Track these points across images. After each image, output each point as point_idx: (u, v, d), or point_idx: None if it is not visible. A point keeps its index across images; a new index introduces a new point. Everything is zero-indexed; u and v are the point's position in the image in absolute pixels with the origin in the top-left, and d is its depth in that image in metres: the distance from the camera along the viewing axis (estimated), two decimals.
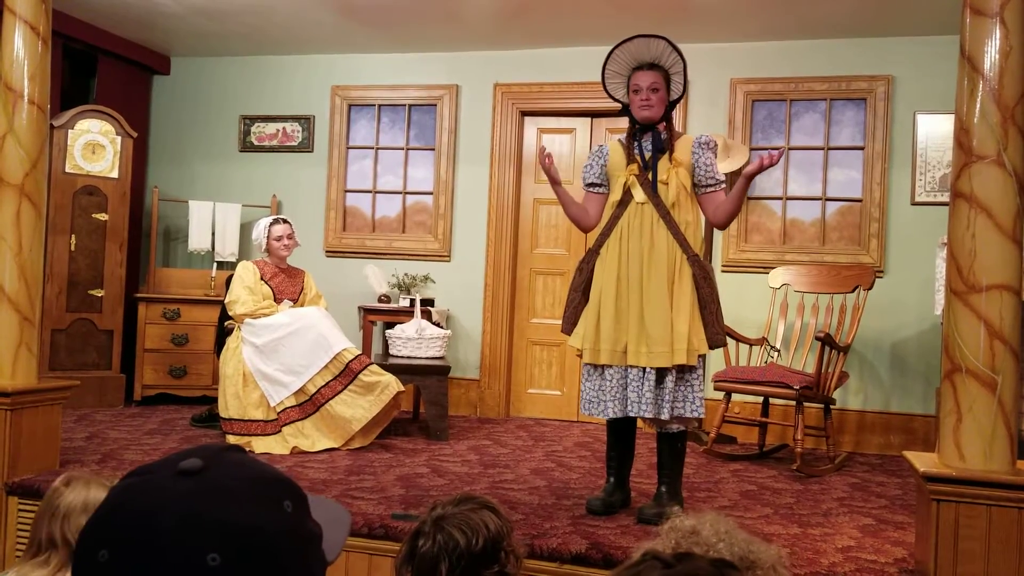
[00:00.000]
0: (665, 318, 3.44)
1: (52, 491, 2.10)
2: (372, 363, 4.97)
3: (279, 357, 4.89)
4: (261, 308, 5.03)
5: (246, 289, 5.06)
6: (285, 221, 5.28)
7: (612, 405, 3.53)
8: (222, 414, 4.88)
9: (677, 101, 3.69)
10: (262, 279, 5.16)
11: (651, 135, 3.63)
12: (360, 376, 4.86)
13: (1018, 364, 2.82)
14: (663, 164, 3.57)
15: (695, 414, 3.51)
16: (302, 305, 5.25)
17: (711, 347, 3.52)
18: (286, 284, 5.24)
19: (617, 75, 3.71)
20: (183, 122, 7.02)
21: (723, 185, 3.61)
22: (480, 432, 5.58)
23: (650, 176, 3.58)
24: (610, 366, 3.53)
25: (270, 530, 0.82)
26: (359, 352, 5.00)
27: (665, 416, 3.47)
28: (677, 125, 5.89)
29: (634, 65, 3.66)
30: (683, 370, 3.49)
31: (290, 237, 5.24)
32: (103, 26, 6.28)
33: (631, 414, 3.52)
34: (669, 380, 3.47)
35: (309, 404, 4.86)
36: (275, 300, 5.15)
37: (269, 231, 5.20)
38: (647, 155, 3.60)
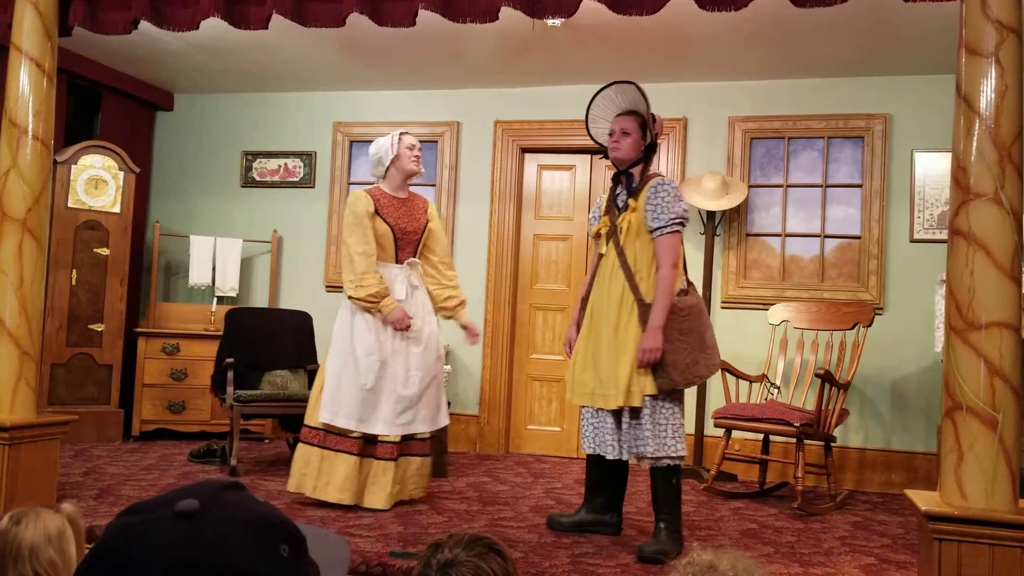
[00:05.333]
0: (612, 362, 3.63)
1: (4, 533, 1.94)
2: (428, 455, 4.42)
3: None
4: (375, 294, 4.17)
5: (362, 255, 4.19)
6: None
7: (586, 442, 3.84)
8: (323, 418, 4.16)
9: (653, 145, 3.81)
10: (377, 213, 4.29)
11: (627, 180, 3.80)
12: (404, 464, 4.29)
13: (1019, 402, 2.81)
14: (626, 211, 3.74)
15: (654, 453, 3.58)
16: (425, 244, 4.48)
17: (661, 390, 3.57)
18: (407, 219, 4.38)
19: (603, 120, 3.91)
20: (186, 157, 7.07)
21: (659, 233, 3.64)
22: (479, 468, 5.55)
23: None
24: (584, 406, 3.81)
25: None
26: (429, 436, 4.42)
27: (625, 457, 3.69)
28: (675, 163, 5.96)
29: (616, 112, 3.85)
30: (634, 412, 3.62)
31: (420, 151, 4.50)
32: (108, 63, 6.34)
33: (599, 452, 3.78)
34: (623, 421, 3.65)
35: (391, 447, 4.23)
36: (394, 239, 4.31)
37: (401, 139, 4.40)
38: (620, 203, 3.80)
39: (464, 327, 4.56)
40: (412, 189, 4.60)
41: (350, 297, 4.22)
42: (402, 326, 4.18)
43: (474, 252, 6.38)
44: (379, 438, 4.19)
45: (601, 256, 3.81)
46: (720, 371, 5.06)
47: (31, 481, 3.79)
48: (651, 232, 3.65)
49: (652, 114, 3.79)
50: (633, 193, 3.73)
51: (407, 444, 4.26)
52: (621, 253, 3.69)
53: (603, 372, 3.65)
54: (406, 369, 4.23)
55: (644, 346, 3.51)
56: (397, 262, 4.35)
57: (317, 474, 4.15)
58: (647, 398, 3.57)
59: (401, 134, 4.44)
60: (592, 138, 3.98)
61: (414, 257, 4.42)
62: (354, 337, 4.22)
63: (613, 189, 3.87)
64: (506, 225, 6.33)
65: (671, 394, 3.61)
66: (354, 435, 4.15)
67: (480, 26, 3.76)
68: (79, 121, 6.55)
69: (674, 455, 3.59)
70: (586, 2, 3.45)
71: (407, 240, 4.37)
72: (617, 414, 3.66)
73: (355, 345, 4.21)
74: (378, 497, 4.17)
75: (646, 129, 3.78)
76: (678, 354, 3.56)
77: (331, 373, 4.22)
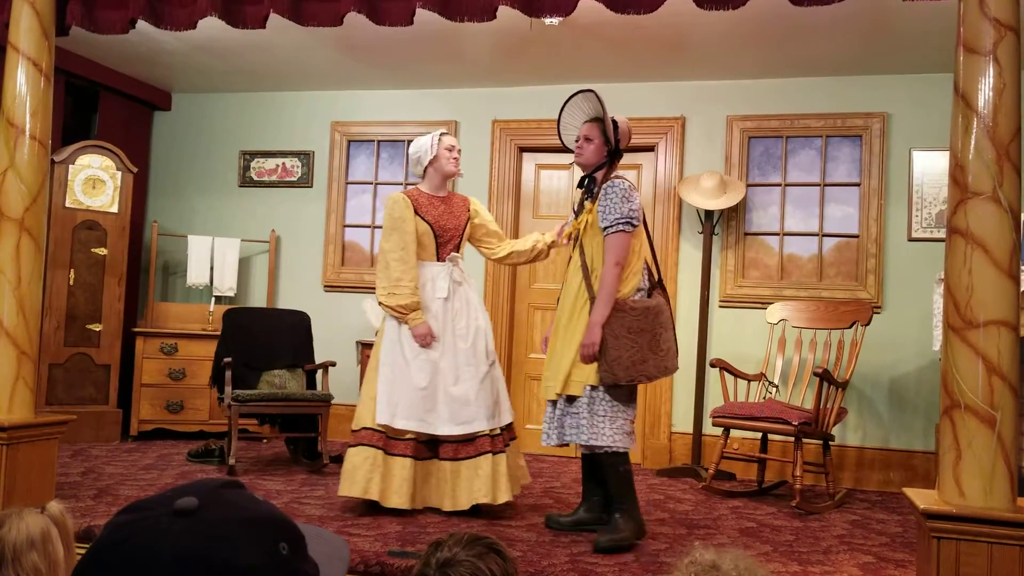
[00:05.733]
0: (560, 354, 3.81)
1: None
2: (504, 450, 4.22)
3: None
4: (405, 306, 4.13)
5: (398, 260, 4.15)
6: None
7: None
8: (381, 419, 4.09)
9: (615, 150, 3.91)
10: (416, 213, 4.26)
11: (590, 184, 3.94)
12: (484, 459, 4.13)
13: (1017, 400, 2.81)
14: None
15: (588, 442, 3.69)
16: (478, 238, 4.48)
17: (603, 382, 3.68)
18: (447, 216, 4.34)
19: (573, 127, 4.06)
20: (183, 157, 7.06)
21: (606, 232, 3.77)
22: None
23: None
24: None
25: (264, 574, 0.82)
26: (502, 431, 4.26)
27: (555, 443, 3.83)
28: (674, 162, 5.97)
29: (584, 119, 4.00)
30: (571, 400, 3.76)
31: (459, 152, 4.46)
32: (105, 63, 6.34)
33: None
34: (558, 408, 3.83)
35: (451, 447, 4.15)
36: (435, 236, 4.26)
37: (440, 140, 4.37)
38: (583, 205, 3.96)
39: (556, 236, 4.41)
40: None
41: (380, 303, 4.19)
42: (423, 343, 4.14)
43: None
44: (441, 439, 4.12)
45: (571, 258, 3.96)
46: (719, 370, 5.09)
47: (29, 481, 3.79)
48: (602, 232, 3.78)
49: (614, 121, 3.89)
50: (593, 196, 3.88)
51: (470, 445, 4.12)
52: (582, 253, 3.85)
53: (555, 364, 3.83)
54: (455, 367, 4.18)
55: (583, 341, 3.69)
56: (439, 259, 4.31)
57: (382, 477, 4.05)
58: (588, 388, 3.71)
59: (441, 134, 4.40)
60: (563, 144, 4.12)
61: (456, 252, 4.38)
62: (402, 339, 4.17)
63: (582, 193, 4.02)
64: (504, 224, 6.32)
65: (614, 388, 3.70)
66: (408, 437, 4.08)
67: (478, 25, 3.76)
68: (77, 121, 6.54)
69: (611, 446, 3.68)
70: (584, 1, 3.45)
71: (447, 238, 4.32)
72: (554, 403, 3.84)
73: (404, 347, 4.16)
74: (442, 498, 4.10)
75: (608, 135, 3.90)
76: (623, 350, 3.65)
77: (383, 377, 4.15)
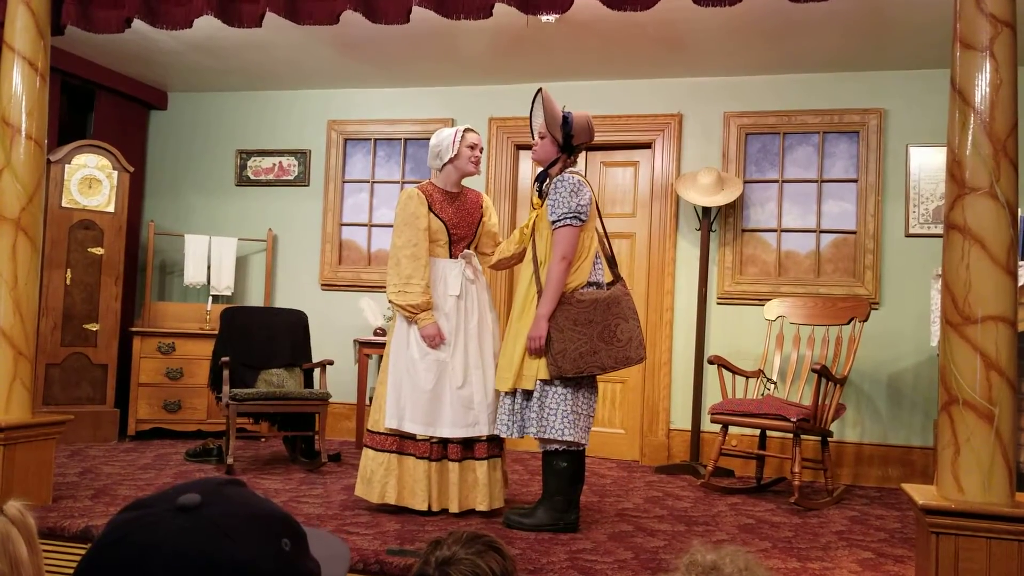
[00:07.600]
0: (510, 347, 3.88)
1: None
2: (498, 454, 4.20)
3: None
4: (415, 306, 4.06)
5: (410, 257, 4.08)
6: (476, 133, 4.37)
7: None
8: (390, 424, 4.07)
9: (565, 146, 3.94)
10: (431, 210, 4.18)
11: (544, 180, 4.01)
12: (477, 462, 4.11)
13: (1015, 396, 2.81)
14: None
15: (537, 435, 3.79)
16: (480, 241, 4.38)
17: (551, 375, 3.74)
18: (460, 214, 4.26)
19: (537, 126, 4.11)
20: (180, 156, 7.05)
21: (554, 227, 3.84)
22: None
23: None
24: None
25: (267, 569, 0.82)
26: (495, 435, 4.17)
27: (517, 435, 3.89)
28: (671, 159, 5.97)
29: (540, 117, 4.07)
30: (527, 394, 3.84)
31: (481, 151, 4.35)
32: (101, 62, 6.32)
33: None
34: (516, 402, 3.88)
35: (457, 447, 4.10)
36: (448, 234, 4.19)
37: (463, 137, 4.24)
38: (535, 199, 4.06)
39: None
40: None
41: (390, 300, 4.14)
42: (431, 344, 4.08)
43: None
44: (449, 441, 4.07)
45: (526, 251, 4.07)
46: (717, 366, 5.09)
47: (26, 482, 3.79)
48: (551, 226, 3.84)
49: (567, 116, 3.91)
50: (543, 192, 3.95)
51: (470, 448, 4.10)
52: (534, 247, 3.92)
53: (504, 356, 3.92)
54: (465, 368, 4.11)
55: (528, 334, 3.76)
56: (452, 256, 4.23)
57: (398, 479, 4.03)
58: (539, 382, 3.77)
59: (465, 131, 4.27)
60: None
61: (468, 249, 4.29)
62: (411, 338, 4.12)
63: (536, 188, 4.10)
64: (501, 222, 6.32)
65: (566, 380, 3.75)
66: (421, 439, 4.04)
67: (474, 22, 3.77)
68: (72, 120, 6.53)
69: (559, 439, 3.74)
70: None
71: (460, 235, 4.24)
72: (512, 395, 3.87)
73: (413, 346, 4.11)
74: (451, 499, 4.06)
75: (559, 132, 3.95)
76: (568, 343, 3.70)
77: (392, 378, 4.12)
